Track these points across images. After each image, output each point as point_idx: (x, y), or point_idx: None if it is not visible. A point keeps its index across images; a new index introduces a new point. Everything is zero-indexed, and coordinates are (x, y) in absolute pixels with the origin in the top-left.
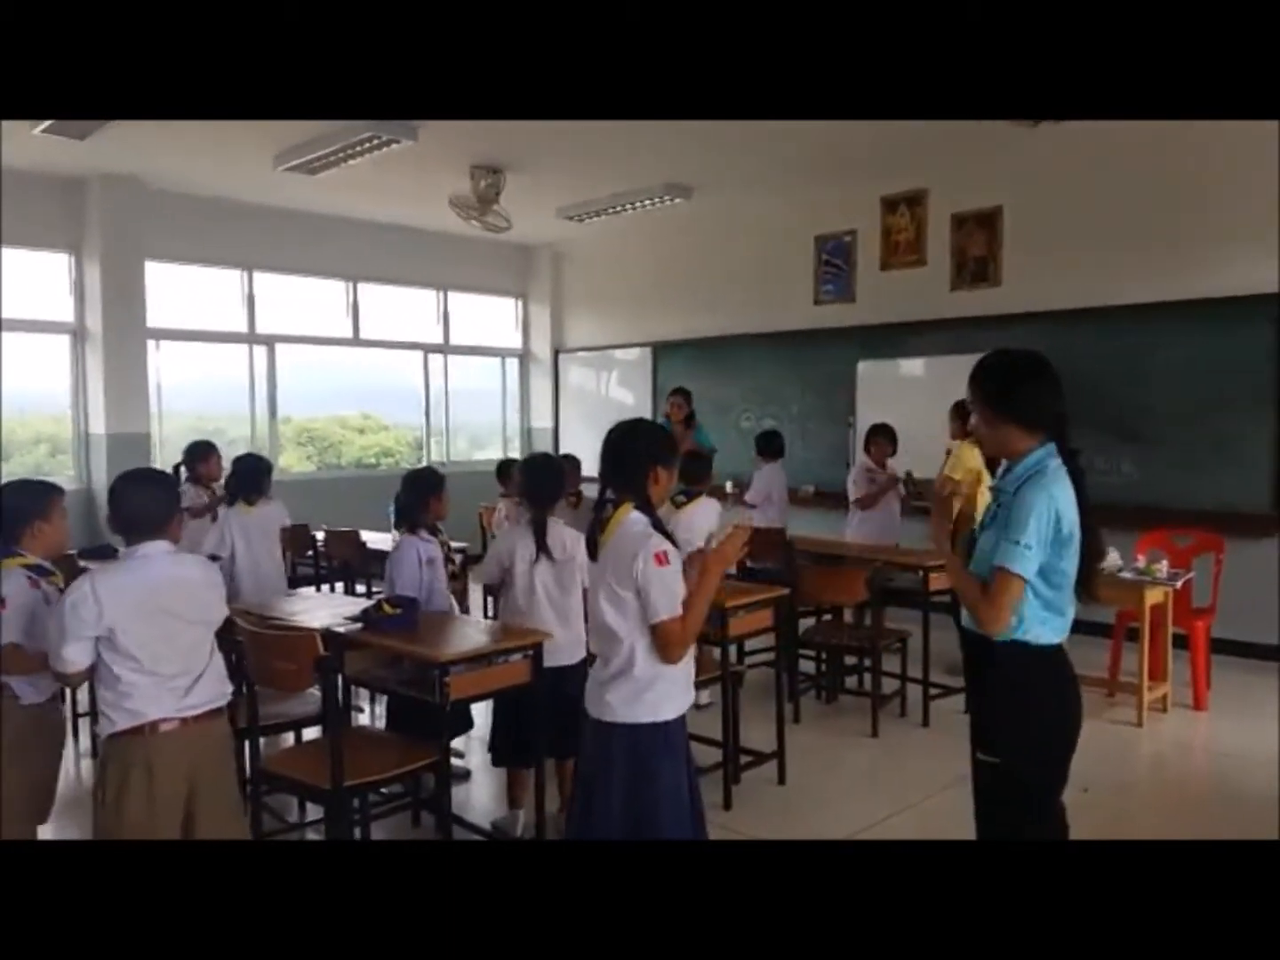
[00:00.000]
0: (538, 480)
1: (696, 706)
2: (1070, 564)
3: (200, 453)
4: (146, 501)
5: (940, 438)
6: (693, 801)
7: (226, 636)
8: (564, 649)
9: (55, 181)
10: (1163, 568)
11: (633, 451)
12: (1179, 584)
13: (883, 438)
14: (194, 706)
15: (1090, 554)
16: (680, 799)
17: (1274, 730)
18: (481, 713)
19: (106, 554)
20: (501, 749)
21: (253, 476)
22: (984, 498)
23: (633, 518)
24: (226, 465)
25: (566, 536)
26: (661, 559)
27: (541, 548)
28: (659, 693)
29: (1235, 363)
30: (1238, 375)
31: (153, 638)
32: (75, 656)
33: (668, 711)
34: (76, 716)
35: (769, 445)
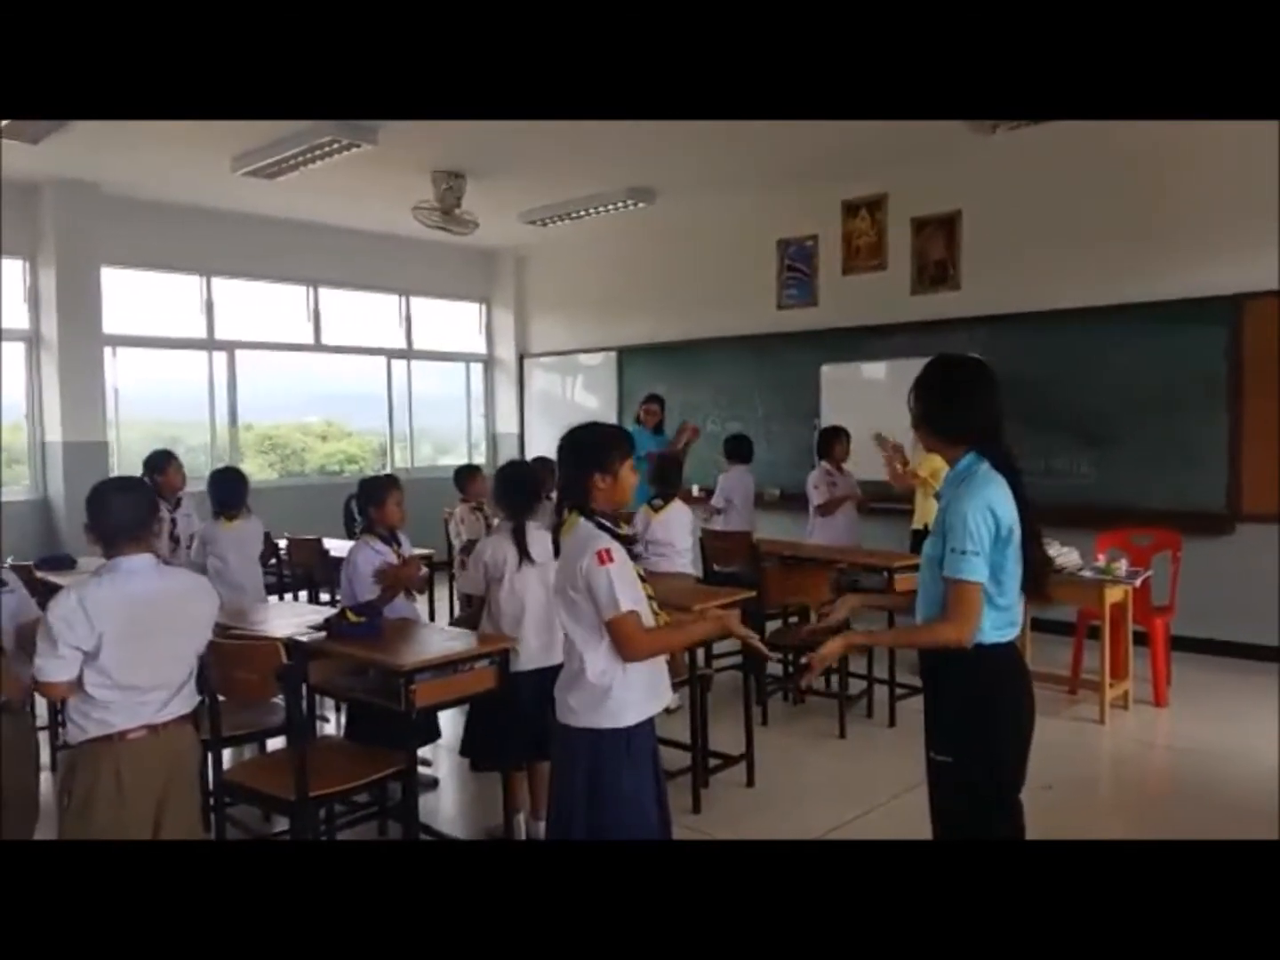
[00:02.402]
0: (511, 488)
1: (666, 711)
2: (1011, 563)
3: (158, 463)
4: (125, 510)
5: (903, 439)
6: (660, 809)
7: None
8: (548, 650)
9: (8, 187)
10: (1122, 566)
11: (573, 461)
12: (1138, 582)
13: (840, 440)
14: (165, 715)
15: (1034, 556)
16: (641, 807)
17: (1232, 726)
18: (449, 721)
19: (64, 564)
20: (486, 753)
21: (231, 491)
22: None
23: (581, 524)
24: (189, 474)
25: (547, 540)
26: (604, 557)
27: (523, 553)
28: (619, 698)
29: (1190, 364)
30: (1193, 376)
31: (132, 656)
32: (62, 672)
33: (630, 717)
34: (35, 730)
35: (737, 449)
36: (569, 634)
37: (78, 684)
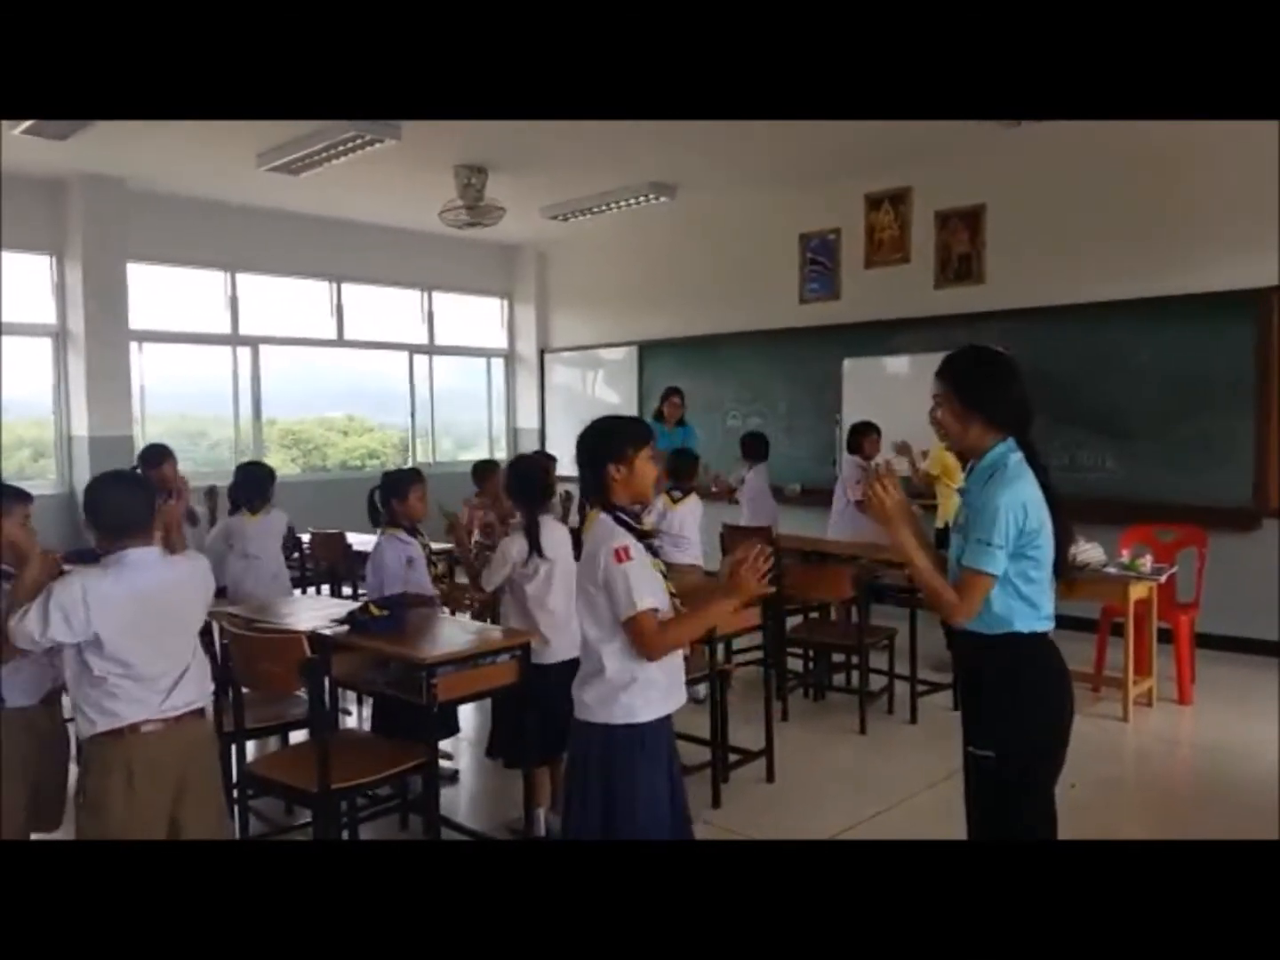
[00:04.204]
0: (522, 483)
1: (695, 701)
2: (1044, 553)
3: (153, 458)
4: (128, 503)
5: (926, 435)
6: (674, 805)
7: (208, 637)
8: (571, 644)
9: (36, 182)
10: (1147, 562)
11: (588, 454)
12: (1163, 579)
13: (870, 436)
14: (175, 707)
15: (1061, 539)
16: (657, 805)
17: (1258, 724)
18: (470, 715)
19: (89, 557)
20: (509, 749)
21: (257, 484)
22: (953, 499)
23: (601, 519)
24: (213, 468)
25: (559, 534)
26: (621, 555)
27: (535, 547)
28: (634, 694)
29: (1217, 358)
30: (1220, 371)
31: (142, 644)
32: (34, 642)
33: (644, 714)
34: (64, 723)
35: (755, 447)
36: (584, 628)
37: (89, 674)
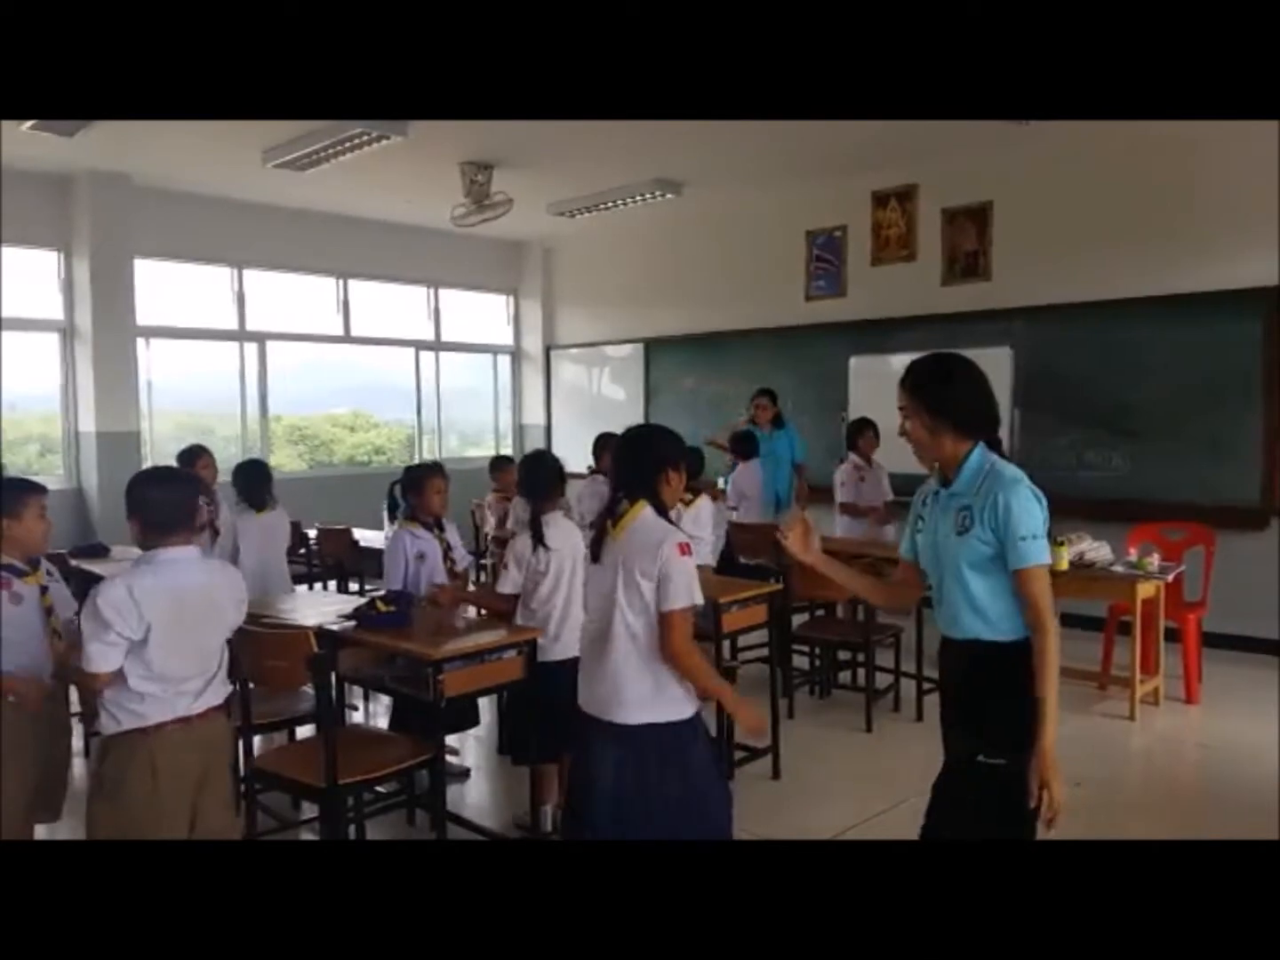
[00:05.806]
0: (533, 477)
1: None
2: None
3: (189, 458)
4: (164, 502)
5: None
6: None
7: None
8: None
9: (44, 178)
10: (1154, 561)
11: (649, 454)
12: (1170, 577)
13: (865, 433)
14: (198, 706)
15: None
16: (713, 774)
17: (1265, 724)
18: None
19: (98, 553)
20: (517, 747)
21: (261, 483)
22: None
23: (648, 513)
24: (219, 464)
25: (568, 529)
26: (685, 549)
27: (538, 539)
28: (678, 686)
29: (1225, 357)
30: (1227, 369)
31: (175, 646)
32: (110, 661)
33: (689, 707)
34: (69, 715)
35: (744, 446)
36: (628, 622)
37: (118, 675)
